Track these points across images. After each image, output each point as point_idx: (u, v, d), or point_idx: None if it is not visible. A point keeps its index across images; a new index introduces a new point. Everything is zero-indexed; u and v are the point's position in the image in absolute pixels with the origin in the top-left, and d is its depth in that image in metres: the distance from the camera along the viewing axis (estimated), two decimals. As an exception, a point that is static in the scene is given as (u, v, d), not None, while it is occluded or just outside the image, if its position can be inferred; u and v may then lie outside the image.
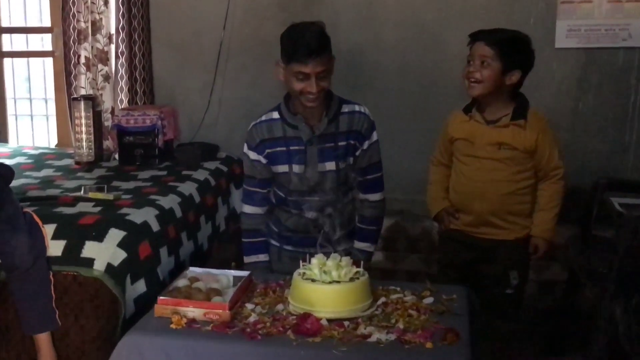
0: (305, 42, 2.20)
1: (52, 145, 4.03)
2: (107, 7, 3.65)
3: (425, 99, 3.55)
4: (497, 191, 2.50)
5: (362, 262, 2.11)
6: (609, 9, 3.31)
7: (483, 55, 2.41)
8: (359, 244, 2.50)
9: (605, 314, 2.45)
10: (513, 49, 2.43)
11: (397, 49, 3.55)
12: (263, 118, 2.41)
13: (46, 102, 4.24)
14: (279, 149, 2.38)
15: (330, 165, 2.38)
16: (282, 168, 2.39)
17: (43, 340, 2.14)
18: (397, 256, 3.55)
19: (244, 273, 2.22)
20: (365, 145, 2.41)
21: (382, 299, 2.08)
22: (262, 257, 2.50)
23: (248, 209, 2.50)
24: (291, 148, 2.36)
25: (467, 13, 3.43)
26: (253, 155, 2.42)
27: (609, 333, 2.44)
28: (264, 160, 2.41)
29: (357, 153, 2.41)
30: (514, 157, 2.47)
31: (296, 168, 2.38)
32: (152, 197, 2.76)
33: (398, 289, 2.17)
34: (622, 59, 3.35)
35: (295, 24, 2.29)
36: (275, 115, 2.39)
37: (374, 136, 2.43)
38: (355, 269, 2.04)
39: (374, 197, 2.49)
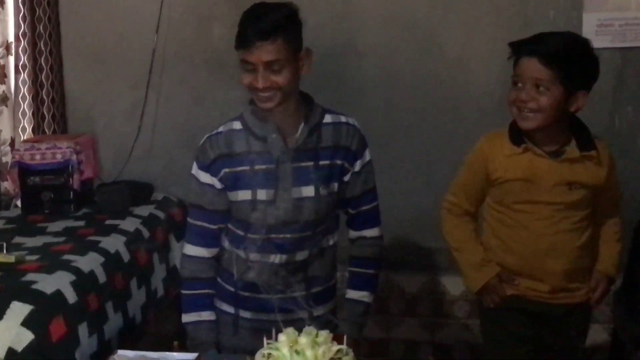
0: (251, 22, 2.22)
1: None
2: (2, 9, 3.63)
3: (420, 115, 3.59)
4: (571, 244, 2.46)
5: (345, 337, 2.08)
6: (649, -3, 3.36)
7: (538, 78, 2.32)
8: (353, 293, 2.48)
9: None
10: (578, 66, 2.34)
11: (382, 53, 3.59)
12: (221, 129, 2.38)
13: None
14: (240, 168, 2.34)
15: (308, 191, 2.34)
16: (243, 195, 2.35)
17: None
18: (390, 321, 3.56)
19: (191, 356, 2.17)
20: (357, 166, 2.40)
21: (374, 386, 2.06)
22: (206, 316, 2.44)
23: (191, 249, 2.45)
24: (257, 167, 2.33)
25: (469, 7, 3.48)
26: (204, 177, 2.38)
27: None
28: (218, 185, 2.37)
29: (346, 178, 2.40)
30: (585, 199, 2.44)
31: (262, 194, 2.33)
32: (67, 257, 2.75)
33: (394, 370, 2.15)
34: (667, 60, 3.42)
35: (257, 3, 2.30)
36: (237, 125, 2.37)
37: (367, 155, 2.42)
38: (336, 347, 2.01)
39: (372, 232, 2.49)
